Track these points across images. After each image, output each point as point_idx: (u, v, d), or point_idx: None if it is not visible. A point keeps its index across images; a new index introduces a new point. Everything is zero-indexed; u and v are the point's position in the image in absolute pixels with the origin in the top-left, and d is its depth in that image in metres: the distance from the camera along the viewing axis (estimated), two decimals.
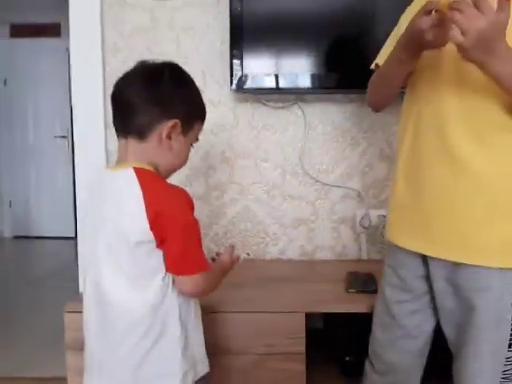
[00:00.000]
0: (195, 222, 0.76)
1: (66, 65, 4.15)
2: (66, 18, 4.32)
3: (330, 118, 1.42)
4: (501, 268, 0.72)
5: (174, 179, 1.44)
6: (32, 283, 2.67)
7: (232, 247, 0.89)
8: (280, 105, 1.42)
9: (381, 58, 0.92)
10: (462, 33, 0.62)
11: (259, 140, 1.44)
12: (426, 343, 0.85)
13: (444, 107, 0.76)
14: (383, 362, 0.87)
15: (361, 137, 1.42)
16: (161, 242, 0.72)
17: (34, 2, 4.03)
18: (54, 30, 4.12)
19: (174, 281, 0.74)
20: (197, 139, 0.87)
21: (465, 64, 0.68)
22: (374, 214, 1.41)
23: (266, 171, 1.44)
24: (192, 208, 0.78)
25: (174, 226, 0.72)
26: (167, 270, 0.73)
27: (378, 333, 0.88)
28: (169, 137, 0.77)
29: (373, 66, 0.95)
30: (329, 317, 1.11)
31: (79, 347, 0.96)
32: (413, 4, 0.87)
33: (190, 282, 0.74)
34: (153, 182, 0.75)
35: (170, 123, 0.76)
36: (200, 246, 0.77)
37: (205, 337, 0.82)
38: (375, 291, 1.00)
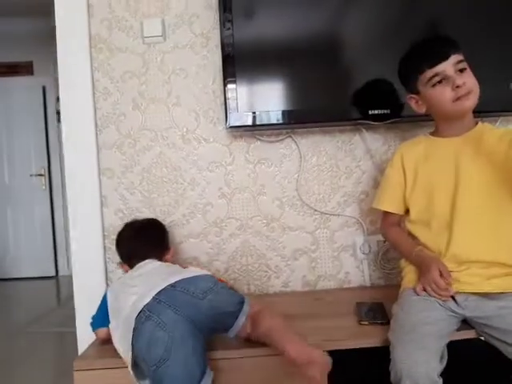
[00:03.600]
0: None
1: (40, 102, 4.12)
2: (38, 56, 4.27)
3: (323, 148, 1.45)
4: None
5: (172, 217, 1.43)
6: (14, 331, 2.55)
7: None
8: (274, 139, 1.44)
9: (384, 204, 1.20)
10: None
11: (255, 174, 1.45)
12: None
13: None
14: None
15: (354, 165, 1.46)
16: None
17: (5, 41, 4.00)
18: (27, 68, 4.07)
19: None
20: None
21: None
22: (374, 240, 1.44)
23: (264, 204, 1.46)
24: None
25: None
26: None
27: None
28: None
29: (377, 207, 1.22)
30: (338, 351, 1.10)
31: None
32: (394, 159, 1.18)
33: None
34: None
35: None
36: None
37: None
38: (388, 323, 1.01)
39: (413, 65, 1.10)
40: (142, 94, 1.43)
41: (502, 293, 0.97)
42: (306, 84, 1.35)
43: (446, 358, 0.91)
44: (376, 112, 1.33)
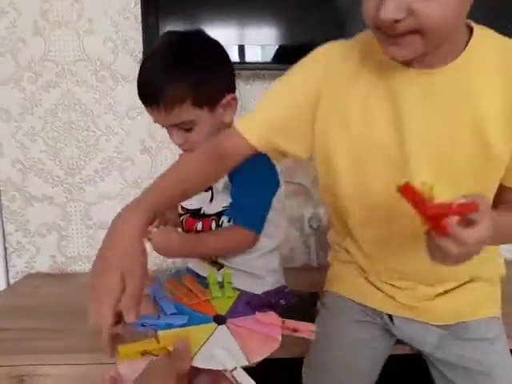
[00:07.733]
0: None
1: None
2: None
3: None
4: None
5: (83, 172, 1.15)
6: None
7: None
8: None
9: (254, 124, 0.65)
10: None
11: None
12: None
13: None
14: None
15: None
16: None
17: None
18: None
19: None
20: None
21: None
22: (324, 212, 1.19)
23: None
24: None
25: None
26: None
27: None
28: None
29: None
30: None
31: None
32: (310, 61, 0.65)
33: None
34: None
35: None
36: None
37: None
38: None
39: None
40: (46, 14, 1.13)
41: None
42: (259, 15, 1.06)
43: None
44: None
